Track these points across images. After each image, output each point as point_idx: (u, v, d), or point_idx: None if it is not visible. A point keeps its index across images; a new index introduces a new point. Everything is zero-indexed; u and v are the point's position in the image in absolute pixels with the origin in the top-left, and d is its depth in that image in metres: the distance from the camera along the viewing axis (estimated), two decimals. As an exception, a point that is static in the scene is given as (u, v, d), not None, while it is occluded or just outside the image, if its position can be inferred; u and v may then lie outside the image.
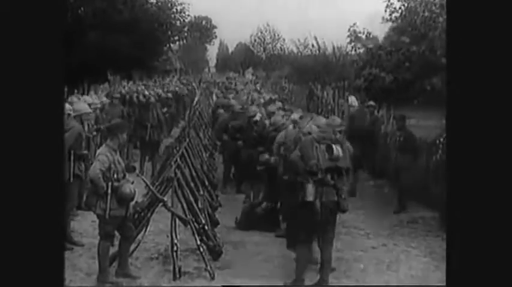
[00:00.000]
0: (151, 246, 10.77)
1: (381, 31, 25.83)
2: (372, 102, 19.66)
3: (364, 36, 27.80)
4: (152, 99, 19.25)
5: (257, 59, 78.45)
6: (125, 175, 9.06)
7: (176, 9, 25.67)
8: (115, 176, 8.84)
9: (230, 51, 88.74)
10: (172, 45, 27.94)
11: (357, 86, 25.18)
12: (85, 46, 18.54)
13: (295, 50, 49.87)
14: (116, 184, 8.81)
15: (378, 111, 20.14)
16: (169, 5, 25.09)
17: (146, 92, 21.56)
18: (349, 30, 29.19)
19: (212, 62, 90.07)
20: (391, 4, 22.91)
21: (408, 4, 22.81)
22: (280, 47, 73.77)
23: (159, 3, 23.93)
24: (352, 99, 24.83)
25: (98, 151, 9.15)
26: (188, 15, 27.64)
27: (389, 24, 23.56)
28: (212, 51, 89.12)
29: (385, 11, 23.02)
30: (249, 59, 79.60)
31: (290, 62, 50.44)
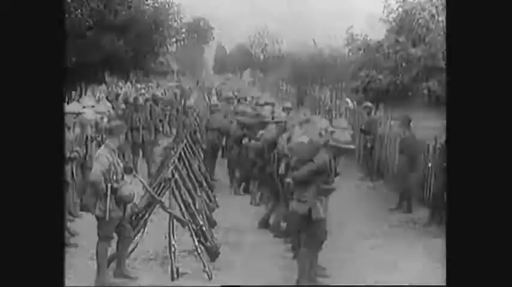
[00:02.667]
0: (149, 247, 10.75)
1: (378, 32, 25.85)
2: (368, 103, 19.72)
3: (361, 38, 27.85)
4: (140, 100, 19.22)
5: (255, 60, 78.43)
6: (123, 176, 9.04)
7: (173, 11, 25.61)
8: (114, 177, 8.83)
9: (228, 52, 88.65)
10: (169, 46, 27.83)
11: (354, 87, 25.19)
12: (82, 47, 18.47)
13: (293, 51, 49.78)
14: (115, 185, 8.80)
15: (375, 113, 20.17)
16: (166, 6, 25.01)
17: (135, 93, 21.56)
18: (346, 32, 29.25)
19: (210, 64, 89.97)
20: (389, 5, 22.91)
21: (406, 5, 22.84)
22: (278, 49, 73.78)
23: (156, 5, 23.86)
24: (348, 101, 24.95)
25: (98, 152, 9.12)
26: (185, 16, 27.64)
27: (387, 25, 23.59)
28: (209, 53, 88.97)
29: (383, 11, 23.03)
30: (246, 60, 79.58)
31: (288, 64, 50.39)
